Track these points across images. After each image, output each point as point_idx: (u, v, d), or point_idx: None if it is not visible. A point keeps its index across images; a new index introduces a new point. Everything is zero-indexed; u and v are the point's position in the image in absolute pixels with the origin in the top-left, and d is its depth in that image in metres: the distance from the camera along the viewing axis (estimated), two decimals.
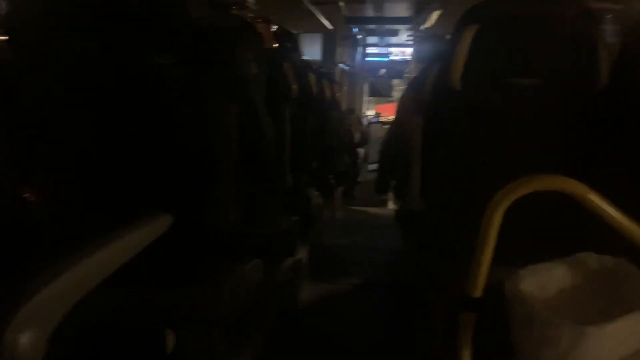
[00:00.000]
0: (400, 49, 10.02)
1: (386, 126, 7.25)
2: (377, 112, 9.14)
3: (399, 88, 10.22)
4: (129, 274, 1.15)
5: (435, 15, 5.90)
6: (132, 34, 1.06)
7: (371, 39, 10.09)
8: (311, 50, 7.72)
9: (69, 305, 0.61)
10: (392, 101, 10.39)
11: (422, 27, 7.05)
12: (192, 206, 1.16)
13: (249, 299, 1.52)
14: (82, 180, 1.14)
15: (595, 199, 0.92)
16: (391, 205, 4.97)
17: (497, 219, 0.96)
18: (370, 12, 6.85)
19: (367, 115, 9.56)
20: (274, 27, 5.41)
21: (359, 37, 9.31)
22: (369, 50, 10.21)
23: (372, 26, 8.51)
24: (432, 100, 1.54)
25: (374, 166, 6.56)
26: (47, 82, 1.11)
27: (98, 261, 0.69)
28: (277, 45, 3.26)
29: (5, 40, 1.08)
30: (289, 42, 3.59)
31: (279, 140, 1.79)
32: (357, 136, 6.59)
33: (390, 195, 3.46)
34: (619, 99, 1.27)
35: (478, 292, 1.01)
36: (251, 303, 1.56)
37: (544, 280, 1.05)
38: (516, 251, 1.08)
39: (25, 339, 0.53)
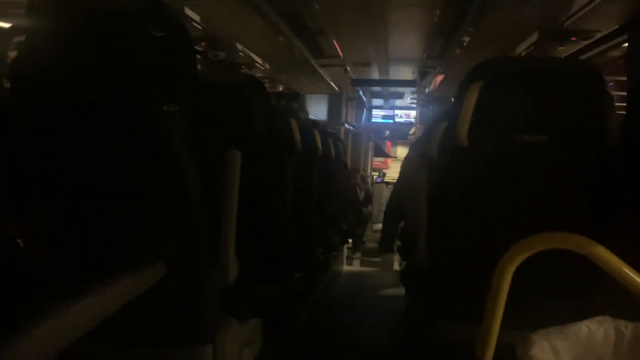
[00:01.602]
0: (405, 112, 10.22)
1: (390, 186, 7.28)
2: (382, 172, 9.20)
3: (403, 150, 10.36)
4: (121, 326, 1.11)
5: (438, 80, 6.04)
6: (139, 81, 1.07)
7: (376, 101, 10.32)
8: (317, 110, 7.87)
9: (52, 353, 0.57)
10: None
11: (426, 91, 7.21)
12: (190, 258, 1.13)
13: (248, 359, 1.46)
14: (79, 226, 1.12)
15: (607, 257, 0.89)
16: (396, 266, 4.90)
17: (507, 278, 0.93)
18: (375, 75, 7.02)
19: (372, 175, 9.62)
20: (281, 87, 5.57)
21: (364, 98, 9.52)
22: (374, 112, 10.41)
23: (377, 89, 8.71)
24: (438, 158, 1.54)
25: (379, 226, 6.52)
26: (49, 129, 1.11)
27: (85, 309, 0.66)
28: (283, 103, 3.33)
29: (10, 87, 1.09)
30: (296, 101, 3.67)
31: (282, 194, 1.78)
32: (361, 195, 6.60)
33: (395, 256, 3.40)
34: (628, 156, 1.26)
35: (489, 356, 0.96)
36: None
37: (558, 345, 1.00)
38: (528, 313, 1.04)
39: None
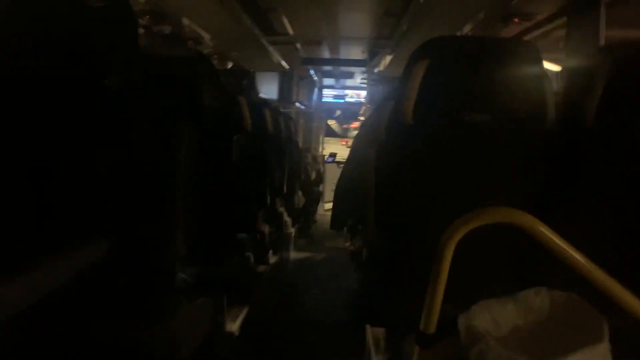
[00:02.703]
0: (356, 92, 10.25)
1: (341, 166, 7.33)
2: (333, 152, 9.24)
3: (353, 129, 10.43)
4: (72, 305, 1.07)
5: (388, 60, 6.08)
6: (80, 54, 1.02)
7: (327, 81, 10.29)
8: (268, 89, 7.77)
9: None
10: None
11: (375, 70, 7.25)
12: (135, 234, 1.10)
13: (199, 337, 1.45)
14: (19, 201, 1.07)
15: (545, 232, 0.93)
16: (347, 245, 4.96)
17: (448, 253, 0.95)
18: (326, 54, 6.99)
19: (323, 155, 9.64)
20: (230, 64, 5.45)
21: (315, 78, 9.47)
22: (325, 91, 10.39)
23: (328, 68, 8.68)
24: (385, 137, 1.55)
25: (330, 205, 6.57)
26: None
27: (21, 285, 0.64)
28: (233, 81, 3.26)
29: None
30: (245, 79, 3.60)
31: (231, 173, 1.76)
32: (312, 174, 6.62)
33: (346, 233, 3.44)
34: (566, 135, 1.32)
35: (432, 328, 0.99)
36: (199, 344, 1.49)
37: (497, 316, 1.05)
38: (470, 286, 1.07)
39: None
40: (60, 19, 1.03)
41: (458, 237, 0.93)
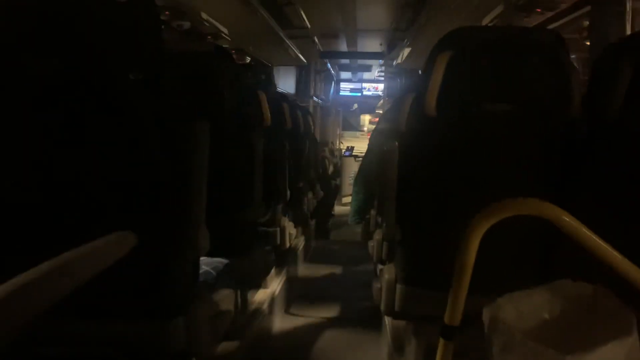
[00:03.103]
0: (373, 85, 10.21)
1: (359, 159, 7.30)
2: (350, 146, 9.24)
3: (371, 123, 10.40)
4: (91, 299, 1.09)
5: (406, 52, 6.05)
6: (103, 50, 1.03)
7: (344, 74, 10.27)
8: (285, 83, 7.78)
9: (15, 327, 0.56)
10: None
11: (394, 63, 7.21)
12: (160, 229, 1.12)
13: (220, 330, 1.46)
14: (45, 198, 1.09)
15: (572, 223, 0.92)
16: (365, 237, 4.95)
17: (473, 245, 0.94)
18: (343, 47, 6.98)
19: (340, 149, 9.63)
20: (248, 59, 5.46)
21: (333, 71, 9.46)
22: (343, 85, 10.37)
23: (345, 61, 8.66)
24: (407, 129, 1.54)
25: (347, 199, 6.56)
26: (10, 99, 1.07)
27: (51, 280, 0.65)
28: (251, 75, 3.27)
29: None
30: (263, 73, 3.61)
31: (251, 168, 1.77)
32: (330, 168, 6.62)
33: (365, 226, 3.44)
34: (592, 124, 1.29)
35: (456, 321, 0.99)
36: (223, 335, 1.50)
37: (523, 308, 1.04)
38: (495, 278, 1.06)
39: None
40: (86, 15, 1.04)
41: (483, 229, 0.93)
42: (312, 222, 4.32)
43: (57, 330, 1.11)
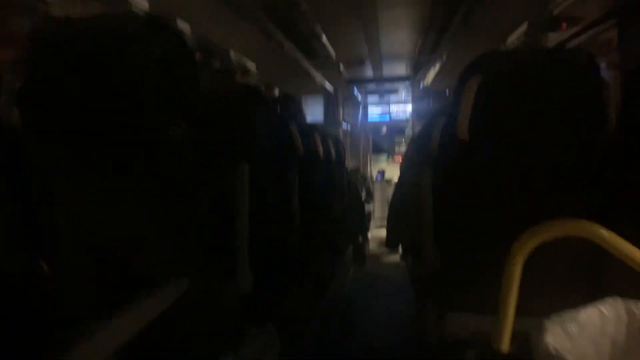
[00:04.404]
0: (401, 108, 10.23)
1: (391, 183, 7.28)
2: (381, 170, 9.20)
3: (401, 144, 10.38)
4: (143, 344, 1.12)
5: (432, 74, 6.07)
6: (145, 105, 1.06)
7: (372, 99, 10.32)
8: (314, 112, 7.88)
9: None
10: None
11: (420, 86, 7.23)
12: (209, 272, 1.15)
13: None
14: (98, 246, 1.13)
15: (616, 241, 0.91)
16: (402, 263, 4.90)
17: (518, 266, 0.94)
18: (369, 72, 7.04)
19: (371, 173, 9.62)
20: (277, 92, 5.58)
21: (360, 97, 9.52)
22: (371, 109, 10.41)
23: (372, 86, 8.72)
24: (439, 154, 1.55)
25: (381, 221, 6.53)
26: (57, 147, 1.11)
27: (115, 328, 0.68)
28: (280, 108, 3.33)
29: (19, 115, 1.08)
30: (292, 104, 3.67)
31: (289, 202, 1.80)
32: (363, 194, 6.62)
33: (400, 252, 3.41)
34: (626, 145, 1.28)
35: (505, 346, 0.98)
36: None
37: (571, 330, 1.02)
38: (543, 301, 1.05)
39: None
40: (127, 72, 1.08)
41: (527, 251, 0.93)
42: (349, 250, 4.30)
43: None
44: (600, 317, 1.03)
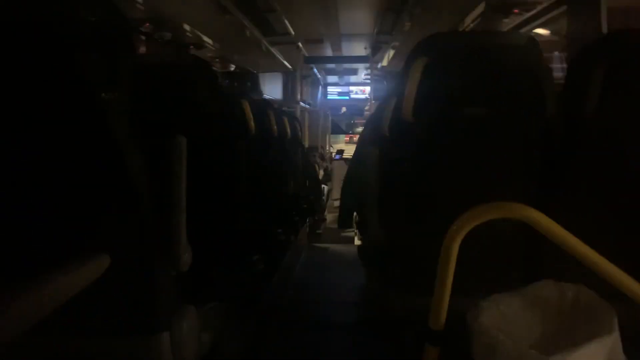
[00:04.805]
0: (360, 88, 10.25)
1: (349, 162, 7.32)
2: (340, 149, 9.24)
3: (360, 124, 10.44)
4: (74, 318, 1.08)
5: (390, 54, 6.08)
6: (74, 69, 1.02)
7: (331, 78, 10.30)
8: (272, 89, 7.79)
9: None
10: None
11: (379, 66, 7.25)
12: (137, 247, 1.11)
13: (207, 344, 1.45)
14: (18, 219, 1.08)
15: (550, 225, 0.93)
16: (356, 242, 4.95)
17: (454, 249, 0.95)
18: (328, 51, 7.00)
19: (330, 152, 9.65)
20: (233, 67, 5.47)
21: (319, 76, 9.48)
22: (330, 89, 10.39)
23: (331, 65, 8.68)
24: (388, 134, 1.55)
25: (338, 202, 6.57)
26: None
27: (29, 303, 0.64)
28: (236, 84, 3.27)
29: None
30: (249, 81, 3.61)
31: (235, 178, 1.77)
32: (320, 173, 6.63)
33: (355, 231, 3.44)
34: (569, 124, 1.31)
35: (440, 325, 0.99)
36: (209, 349, 1.49)
37: (506, 310, 1.04)
38: (477, 281, 1.07)
39: None
40: (55, 34, 1.03)
41: (464, 232, 0.93)
42: (304, 228, 4.31)
43: (41, 349, 1.10)
44: (533, 299, 1.06)
